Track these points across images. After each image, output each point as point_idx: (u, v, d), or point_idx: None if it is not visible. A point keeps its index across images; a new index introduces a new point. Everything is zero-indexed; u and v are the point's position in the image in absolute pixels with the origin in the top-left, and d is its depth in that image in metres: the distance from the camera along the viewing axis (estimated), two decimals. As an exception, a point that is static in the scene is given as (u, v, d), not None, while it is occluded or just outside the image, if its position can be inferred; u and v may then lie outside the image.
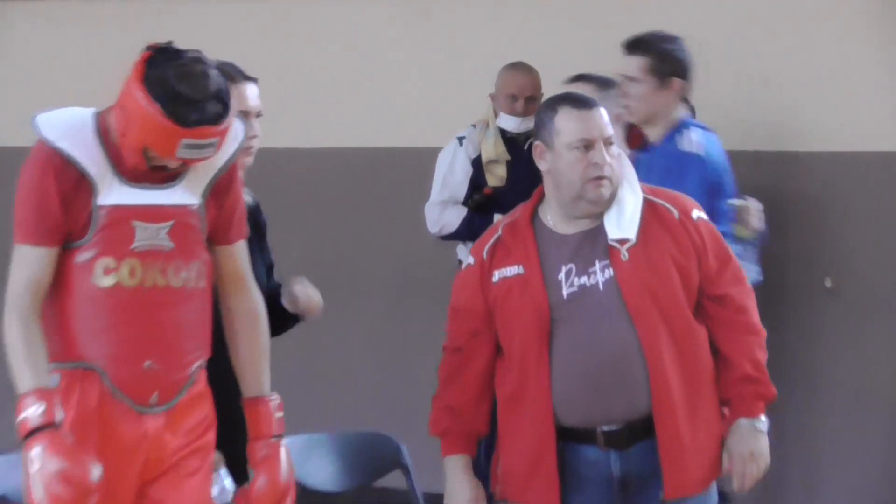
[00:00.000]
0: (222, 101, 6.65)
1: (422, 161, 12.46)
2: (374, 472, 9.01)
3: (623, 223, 7.53)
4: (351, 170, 13.59)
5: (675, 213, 7.56)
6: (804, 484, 12.69)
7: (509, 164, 11.92)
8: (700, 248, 7.50)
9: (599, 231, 7.38)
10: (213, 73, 6.65)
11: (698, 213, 7.62)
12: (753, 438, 7.57)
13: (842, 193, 12.60)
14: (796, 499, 12.72)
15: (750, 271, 8.59)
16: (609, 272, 7.42)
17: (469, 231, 11.99)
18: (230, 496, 7.50)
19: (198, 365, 6.88)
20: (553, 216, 7.47)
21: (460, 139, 12.09)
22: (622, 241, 7.36)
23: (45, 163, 6.78)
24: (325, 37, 13.48)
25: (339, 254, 12.33)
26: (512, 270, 7.58)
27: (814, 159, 12.61)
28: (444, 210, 12.21)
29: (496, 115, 12.03)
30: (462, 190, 12.10)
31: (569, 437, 7.46)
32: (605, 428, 7.41)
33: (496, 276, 7.52)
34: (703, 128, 9.34)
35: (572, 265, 7.54)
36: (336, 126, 13.91)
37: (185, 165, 6.79)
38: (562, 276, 7.52)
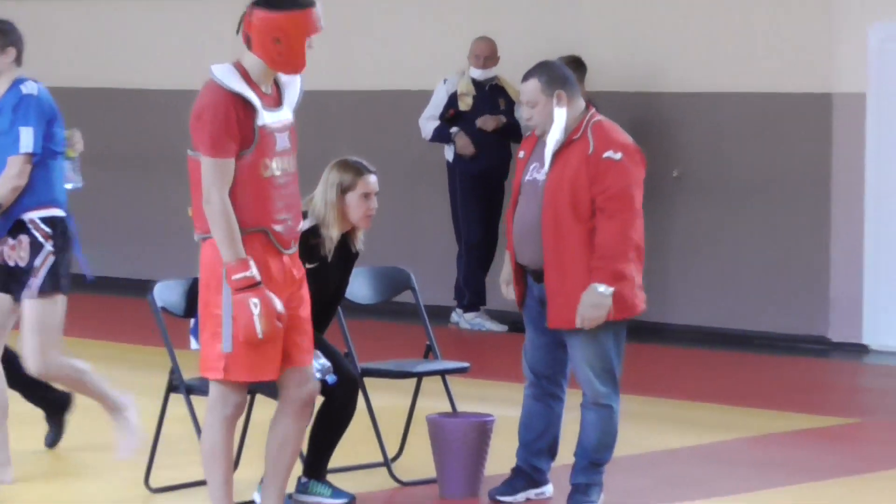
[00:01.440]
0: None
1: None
2: (393, 291, 10.02)
3: (549, 146, 8.85)
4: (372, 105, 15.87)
5: (593, 147, 8.77)
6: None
7: (473, 99, 15.00)
8: (597, 175, 8.70)
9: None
10: None
11: (611, 154, 8.77)
12: (598, 297, 8.61)
13: (684, 113, 14.86)
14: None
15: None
16: (545, 174, 8.85)
17: (438, 136, 15.13)
18: (328, 368, 8.56)
19: (302, 224, 8.10)
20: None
21: (445, 81, 15.12)
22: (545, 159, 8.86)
23: (227, 100, 7.68)
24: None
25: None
26: (521, 154, 9.13)
27: (675, 96, 14.94)
28: (426, 123, 15.18)
29: (469, 67, 15.08)
30: (439, 111, 15.04)
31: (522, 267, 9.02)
32: (530, 267, 8.98)
33: (520, 154, 9.13)
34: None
35: (537, 162, 8.95)
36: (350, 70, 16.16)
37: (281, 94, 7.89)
38: (532, 167, 8.99)
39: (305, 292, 7.99)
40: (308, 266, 8.46)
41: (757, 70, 14.70)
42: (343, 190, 8.72)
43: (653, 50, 15.15)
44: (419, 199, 13.96)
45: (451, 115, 15.10)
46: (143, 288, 9.20)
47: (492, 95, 15.10)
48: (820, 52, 14.45)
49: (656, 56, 15.14)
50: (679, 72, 15.06)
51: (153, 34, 17.84)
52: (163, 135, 17.54)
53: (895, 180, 14.27)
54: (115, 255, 17.68)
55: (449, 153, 15.21)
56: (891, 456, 10.48)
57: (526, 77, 9.02)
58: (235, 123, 7.65)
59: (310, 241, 8.70)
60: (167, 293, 9.13)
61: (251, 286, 7.62)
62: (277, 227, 7.80)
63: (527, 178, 8.96)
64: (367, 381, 9.14)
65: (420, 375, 9.69)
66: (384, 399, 9.69)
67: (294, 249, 7.91)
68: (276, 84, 7.97)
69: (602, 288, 8.60)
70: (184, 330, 9.14)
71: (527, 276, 9.00)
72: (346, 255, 8.91)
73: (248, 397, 8.30)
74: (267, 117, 7.76)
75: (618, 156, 8.79)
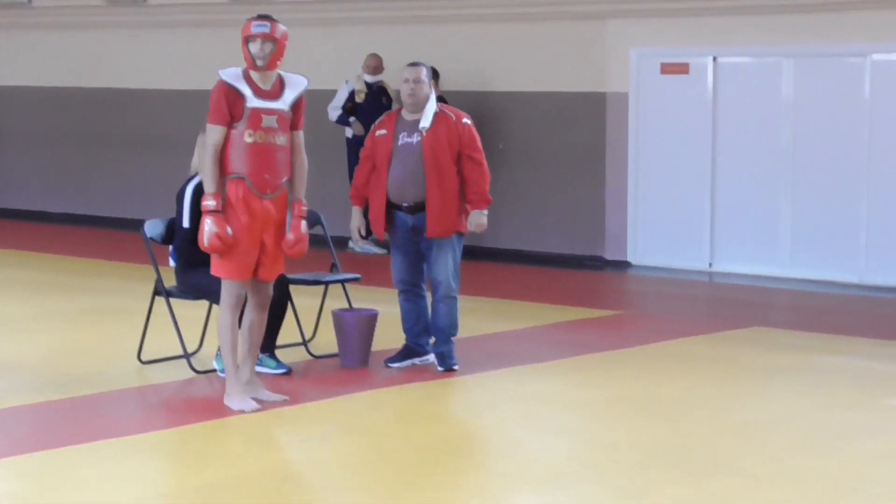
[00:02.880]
0: (270, 21, 7.82)
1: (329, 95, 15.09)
2: (310, 226, 8.62)
3: (426, 119, 8.98)
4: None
5: (453, 118, 8.99)
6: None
7: (365, 95, 15.00)
8: (462, 135, 8.95)
9: (418, 121, 8.97)
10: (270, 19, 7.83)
11: (465, 120, 9.00)
12: (481, 217, 9.00)
13: (505, 105, 14.84)
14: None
15: None
16: (418, 137, 8.95)
17: (340, 120, 15.01)
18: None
19: (285, 180, 7.94)
20: (404, 112, 9.08)
21: (347, 82, 15.08)
22: (423, 126, 8.95)
23: (222, 89, 7.80)
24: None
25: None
26: (382, 132, 9.10)
27: (503, 94, 14.96)
28: (333, 111, 15.08)
29: (363, 73, 15.07)
30: (342, 103, 15.00)
31: (392, 207, 9.03)
32: (406, 204, 9.00)
33: (377, 133, 9.10)
34: None
35: (405, 132, 9.02)
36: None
37: (283, 84, 7.86)
38: (401, 136, 9.02)
39: (281, 229, 7.92)
40: None
41: (555, 76, 14.74)
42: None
43: (484, 62, 15.11)
44: (327, 164, 13.77)
45: (350, 106, 15.02)
46: (138, 224, 9.17)
47: (378, 93, 15.05)
48: (596, 64, 14.50)
49: (486, 66, 15.12)
50: (502, 77, 15.05)
51: (168, 50, 17.59)
52: (158, 122, 17.47)
53: (647, 150, 14.33)
54: (121, 202, 17.67)
55: (348, 132, 15.19)
56: (644, 336, 10.60)
57: (416, 64, 9.11)
58: (225, 104, 7.73)
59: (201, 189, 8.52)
60: (152, 227, 9.12)
61: (210, 212, 7.74)
62: (255, 178, 7.79)
63: (400, 143, 8.95)
64: (292, 288, 9.11)
65: (327, 283, 9.70)
66: (303, 300, 9.68)
67: (272, 196, 7.84)
68: (282, 83, 7.95)
69: (483, 211, 8.95)
70: (164, 253, 9.11)
71: (396, 212, 8.97)
72: None
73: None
74: (256, 103, 7.78)
75: (470, 122, 9.05)
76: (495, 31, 15.13)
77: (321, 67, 15.37)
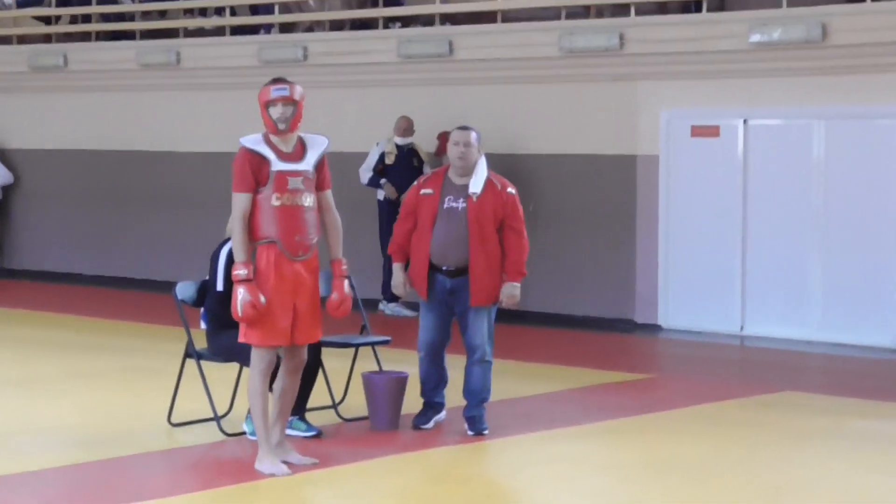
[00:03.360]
0: (288, 83, 7.91)
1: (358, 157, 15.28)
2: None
3: (476, 184, 9.04)
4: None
5: (499, 186, 9.07)
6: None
7: (395, 157, 15.04)
8: (506, 204, 9.02)
9: (466, 185, 9.03)
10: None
11: (510, 190, 9.06)
12: (514, 290, 9.02)
13: (538, 167, 14.86)
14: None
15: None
16: (464, 203, 8.98)
17: (371, 182, 15.05)
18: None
19: (315, 240, 7.94)
20: (451, 173, 9.13)
21: (378, 144, 15.13)
22: (474, 192, 8.99)
23: (245, 156, 7.86)
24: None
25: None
26: (427, 191, 9.13)
27: (534, 156, 15.00)
28: (364, 173, 15.16)
29: (394, 136, 15.11)
30: (373, 164, 15.06)
31: (432, 269, 9.06)
32: (447, 267, 9.04)
33: (422, 191, 9.13)
34: None
35: (451, 196, 9.04)
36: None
37: (304, 146, 7.91)
38: (447, 199, 9.04)
39: (313, 291, 7.94)
40: None
41: (586, 138, 14.75)
42: None
43: (514, 124, 15.14)
44: (358, 226, 13.81)
45: (381, 169, 15.07)
46: (168, 286, 9.23)
47: (409, 155, 15.10)
48: (628, 127, 14.52)
49: (516, 128, 15.15)
50: (532, 139, 15.09)
51: (199, 112, 17.72)
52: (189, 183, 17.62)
53: (678, 213, 14.31)
54: (151, 263, 17.76)
55: (380, 194, 15.23)
56: (675, 399, 10.57)
57: (466, 128, 9.18)
58: (249, 170, 7.78)
59: None
60: (184, 290, 9.17)
61: (242, 281, 7.74)
62: (284, 240, 7.83)
63: (445, 206, 9.00)
64: (322, 350, 9.08)
65: (357, 346, 9.70)
66: (333, 362, 9.67)
67: (304, 258, 7.86)
68: (303, 145, 7.99)
69: (516, 284, 8.99)
70: (196, 316, 9.13)
71: (436, 275, 9.00)
72: None
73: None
74: (281, 166, 7.83)
75: (514, 192, 9.11)
76: (525, 93, 15.18)
77: (350, 130, 15.48)
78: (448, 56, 15.30)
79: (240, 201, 7.82)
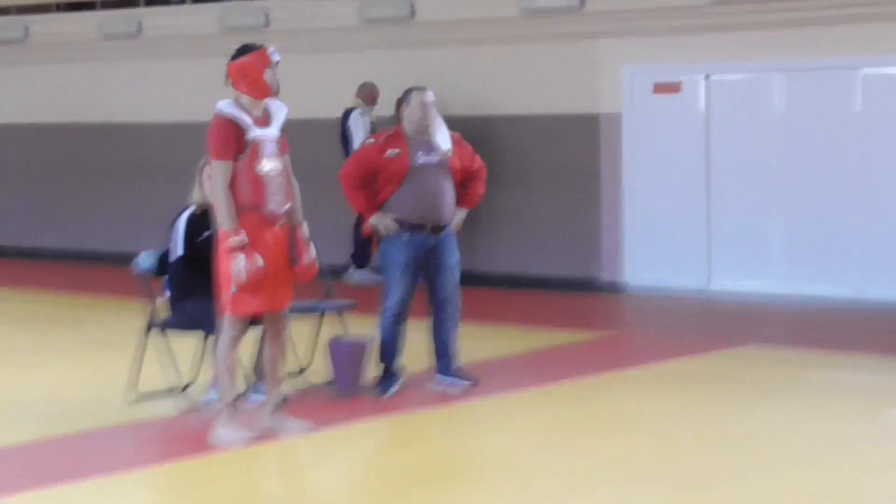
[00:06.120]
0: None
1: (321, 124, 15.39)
2: None
3: (444, 141, 9.14)
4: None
5: (456, 138, 9.25)
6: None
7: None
8: (468, 155, 9.27)
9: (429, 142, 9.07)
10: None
11: (459, 137, 9.27)
12: (463, 214, 9.25)
13: (499, 128, 14.90)
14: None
15: None
16: (437, 157, 9.08)
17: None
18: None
19: (288, 205, 7.95)
20: (410, 132, 9.12)
21: (362, 113, 14.62)
22: (447, 148, 9.11)
23: (225, 123, 7.79)
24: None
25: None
26: (394, 151, 9.09)
27: (496, 118, 15.08)
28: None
29: (363, 104, 14.74)
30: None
31: (411, 228, 9.04)
32: (430, 224, 9.08)
33: (388, 152, 9.07)
34: None
35: (422, 151, 9.06)
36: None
37: (269, 115, 7.87)
38: (418, 155, 9.05)
39: (288, 255, 7.94)
40: (206, 234, 8.49)
41: (548, 98, 14.76)
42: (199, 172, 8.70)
43: (475, 85, 15.15)
44: (321, 192, 13.55)
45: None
46: (132, 258, 9.19)
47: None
48: (590, 85, 14.53)
49: (477, 90, 15.16)
50: (494, 100, 15.10)
51: (161, 82, 17.63)
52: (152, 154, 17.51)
53: (641, 170, 14.34)
54: (115, 236, 17.72)
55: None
56: (641, 356, 10.61)
57: (423, 88, 9.24)
58: (231, 137, 7.76)
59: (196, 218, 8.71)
60: (146, 259, 9.14)
61: (241, 247, 7.70)
62: (266, 207, 7.82)
63: (420, 161, 9.04)
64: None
65: (323, 311, 9.71)
66: (299, 327, 9.52)
67: (280, 223, 7.88)
68: (267, 111, 7.96)
69: (466, 210, 9.27)
70: (159, 285, 9.07)
71: (416, 235, 9.03)
72: None
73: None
74: (256, 132, 7.82)
75: (468, 143, 9.35)
76: (487, 55, 15.17)
77: (313, 95, 15.41)
78: (409, 18, 15.26)
79: (223, 168, 7.80)
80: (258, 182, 7.82)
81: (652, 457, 7.49)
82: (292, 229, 8.02)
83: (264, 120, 7.93)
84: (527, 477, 7.19)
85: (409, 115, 9.15)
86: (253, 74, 7.85)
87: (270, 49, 7.93)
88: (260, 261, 7.72)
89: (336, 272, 12.64)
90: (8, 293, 15.01)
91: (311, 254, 8.05)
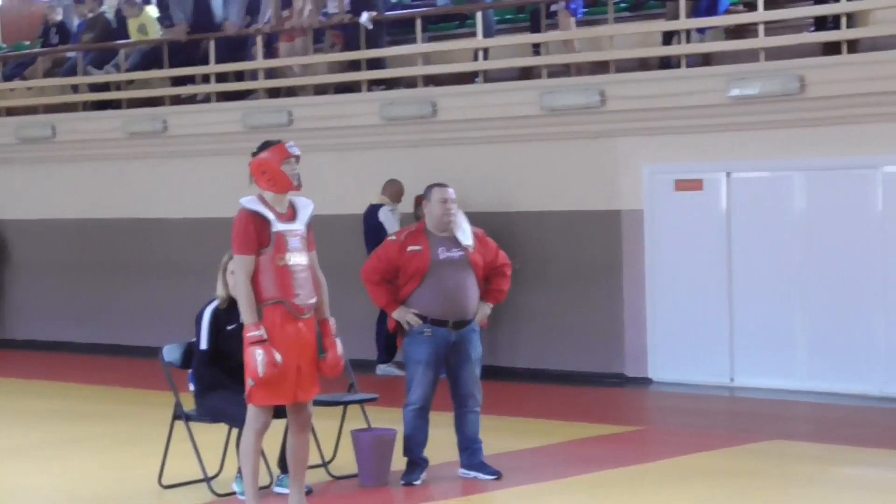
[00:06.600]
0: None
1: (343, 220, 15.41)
2: None
3: (466, 236, 9.20)
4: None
5: (479, 234, 9.31)
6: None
7: None
8: (492, 250, 9.31)
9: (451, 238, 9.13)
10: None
11: (482, 234, 9.34)
12: (487, 309, 9.28)
13: (523, 224, 14.93)
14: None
15: None
16: (461, 253, 9.11)
17: None
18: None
19: (315, 300, 8.00)
20: (432, 229, 9.18)
21: (392, 210, 14.78)
22: (468, 244, 9.16)
23: (248, 218, 7.89)
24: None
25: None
26: (415, 247, 9.13)
27: (518, 214, 15.07)
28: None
29: (388, 200, 14.83)
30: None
31: (434, 324, 9.11)
32: (452, 320, 9.12)
33: (409, 248, 9.14)
34: None
35: (443, 247, 9.10)
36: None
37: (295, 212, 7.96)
38: (439, 251, 9.09)
39: (315, 349, 7.98)
40: (230, 328, 8.57)
41: (569, 195, 14.80)
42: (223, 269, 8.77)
43: (497, 183, 15.19)
44: (346, 287, 13.55)
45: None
46: (158, 352, 9.24)
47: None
48: (611, 182, 14.59)
49: (500, 187, 15.20)
50: (516, 198, 15.14)
51: (185, 179, 17.76)
52: (177, 250, 17.67)
53: (663, 266, 14.35)
54: (140, 330, 17.77)
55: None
56: (664, 450, 10.56)
57: (444, 185, 9.29)
58: (253, 232, 7.82)
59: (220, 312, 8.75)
60: (171, 352, 9.21)
61: (258, 341, 7.72)
62: (291, 300, 7.85)
63: (441, 257, 9.08)
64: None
65: (346, 404, 9.71)
66: (322, 421, 9.49)
67: (306, 316, 7.91)
68: (293, 206, 8.02)
69: (491, 304, 9.32)
70: (184, 378, 9.12)
71: (439, 330, 9.05)
72: None
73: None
74: (280, 227, 7.88)
75: (491, 239, 9.40)
76: (508, 152, 15.23)
77: (335, 192, 15.49)
78: (431, 117, 15.37)
79: (245, 263, 7.85)
80: (282, 276, 7.86)
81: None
82: (319, 323, 8.04)
83: (289, 216, 7.99)
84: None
85: (430, 211, 9.21)
86: (271, 169, 7.93)
87: (289, 143, 8.03)
88: (278, 357, 7.76)
89: (359, 366, 12.62)
90: (32, 387, 15.04)
91: (338, 349, 8.06)
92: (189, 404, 8.99)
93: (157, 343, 9.52)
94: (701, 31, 14.40)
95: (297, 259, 7.93)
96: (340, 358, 8.09)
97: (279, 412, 8.22)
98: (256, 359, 7.72)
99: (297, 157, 8.01)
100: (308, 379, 7.99)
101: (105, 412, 13.00)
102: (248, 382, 7.84)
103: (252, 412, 7.93)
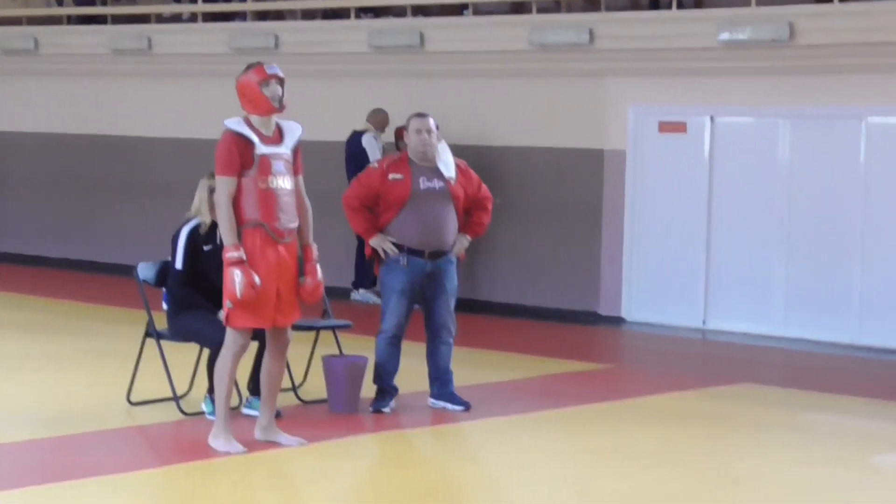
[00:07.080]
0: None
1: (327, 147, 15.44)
2: None
3: (448, 168, 9.19)
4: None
5: (462, 166, 9.30)
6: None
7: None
8: (474, 182, 9.29)
9: (434, 168, 9.13)
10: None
11: (465, 165, 9.32)
12: (466, 241, 9.27)
13: (504, 160, 14.83)
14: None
15: None
16: (441, 183, 9.11)
17: None
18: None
19: (297, 224, 7.97)
20: (414, 158, 9.14)
21: (375, 137, 14.78)
22: (450, 176, 9.15)
23: (231, 139, 7.83)
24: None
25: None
26: (397, 175, 9.14)
27: (502, 149, 15.06)
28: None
29: (373, 129, 14.83)
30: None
31: (411, 253, 9.09)
32: (428, 250, 9.13)
33: (390, 176, 9.13)
34: None
35: (424, 177, 9.09)
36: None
37: (281, 134, 7.91)
38: (421, 180, 9.08)
39: (294, 274, 7.95)
40: (206, 248, 8.59)
41: (554, 132, 14.77)
42: (211, 190, 8.60)
43: (483, 117, 15.15)
44: (327, 215, 13.39)
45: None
46: (133, 269, 9.23)
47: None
48: (596, 121, 14.56)
49: (485, 121, 15.16)
50: (500, 132, 15.10)
51: (169, 99, 17.69)
52: (160, 169, 17.62)
53: (643, 208, 14.37)
54: (119, 247, 17.76)
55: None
56: (635, 389, 10.62)
57: (424, 115, 9.22)
58: (236, 153, 7.76)
59: (196, 233, 8.72)
60: (145, 270, 9.18)
61: (237, 262, 7.69)
62: (271, 223, 7.82)
63: (422, 187, 9.09)
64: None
65: (318, 329, 9.71)
66: (294, 346, 9.24)
67: (287, 240, 7.88)
68: (280, 130, 7.98)
69: (469, 237, 9.29)
70: (159, 297, 9.13)
71: (415, 259, 9.04)
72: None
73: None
74: (264, 149, 7.83)
75: (474, 171, 9.36)
76: (495, 86, 15.19)
77: (320, 119, 15.35)
78: (419, 48, 15.29)
79: (226, 184, 7.84)
80: (265, 198, 7.85)
81: (639, 493, 7.48)
82: (301, 248, 8.05)
83: (275, 139, 7.95)
84: (512, 500, 7.19)
85: (409, 140, 9.21)
86: (251, 91, 7.87)
87: (269, 65, 7.95)
88: (256, 279, 7.74)
89: (336, 293, 12.61)
90: (9, 300, 15.04)
91: (318, 274, 8.07)
92: (162, 323, 8.98)
93: (135, 261, 9.51)
94: (693, -28, 14.34)
95: (281, 182, 7.91)
96: (320, 283, 8.09)
97: (257, 335, 8.22)
98: (235, 280, 7.71)
99: (280, 79, 7.91)
100: (288, 303, 7.99)
101: (78, 328, 13.02)
102: (227, 304, 7.83)
103: (230, 334, 7.93)
